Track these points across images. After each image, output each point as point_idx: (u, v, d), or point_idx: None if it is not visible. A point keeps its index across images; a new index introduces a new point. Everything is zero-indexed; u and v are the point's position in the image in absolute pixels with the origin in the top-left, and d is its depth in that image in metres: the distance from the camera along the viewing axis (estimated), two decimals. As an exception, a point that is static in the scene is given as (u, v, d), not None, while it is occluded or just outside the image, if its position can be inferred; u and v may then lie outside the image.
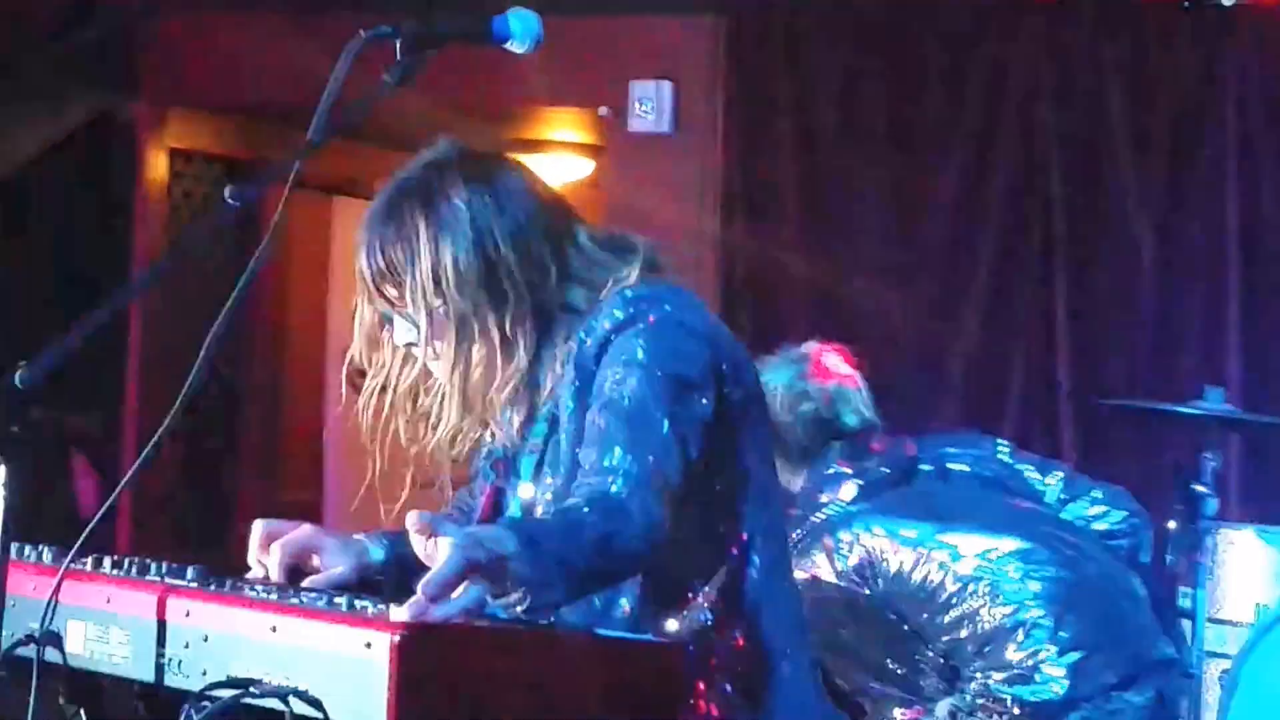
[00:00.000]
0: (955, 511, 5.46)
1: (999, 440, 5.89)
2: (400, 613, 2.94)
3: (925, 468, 5.65)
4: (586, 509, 3.31)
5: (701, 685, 3.65)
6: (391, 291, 3.64)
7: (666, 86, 8.63)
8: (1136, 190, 7.99)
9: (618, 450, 3.41)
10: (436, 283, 3.56)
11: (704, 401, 3.53)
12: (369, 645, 2.86)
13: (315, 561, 3.63)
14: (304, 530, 3.66)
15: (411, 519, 3.09)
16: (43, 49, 8.89)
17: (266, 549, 3.61)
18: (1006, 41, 8.19)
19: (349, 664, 2.88)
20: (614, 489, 3.35)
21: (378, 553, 3.70)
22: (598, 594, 3.48)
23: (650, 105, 8.63)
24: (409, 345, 3.66)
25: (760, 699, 3.69)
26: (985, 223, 8.23)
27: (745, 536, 3.70)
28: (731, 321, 8.31)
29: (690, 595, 3.66)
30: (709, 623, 3.67)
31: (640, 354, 3.49)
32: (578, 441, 3.54)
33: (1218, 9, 7.75)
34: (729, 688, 3.68)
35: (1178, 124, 8.03)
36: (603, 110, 8.80)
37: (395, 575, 3.56)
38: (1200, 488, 6.62)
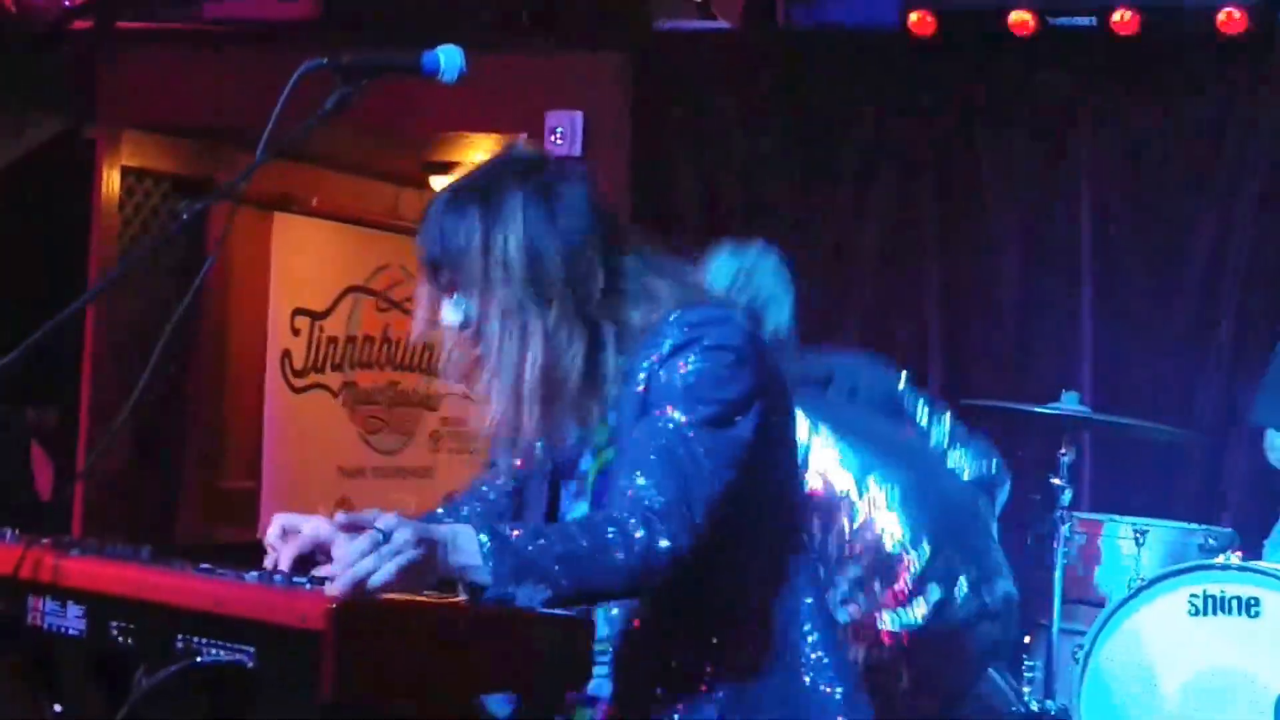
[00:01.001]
0: (855, 427, 5.44)
1: (901, 372, 5.90)
2: (331, 589, 2.94)
3: (836, 383, 5.67)
4: (584, 531, 3.28)
5: (704, 687, 3.61)
6: (446, 277, 3.56)
7: (577, 116, 8.65)
8: (1003, 213, 8.03)
9: (648, 473, 3.35)
10: (486, 274, 3.47)
11: (745, 426, 3.44)
12: (304, 618, 2.85)
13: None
14: (318, 526, 3.55)
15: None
16: (8, 74, 8.83)
17: (283, 539, 3.54)
18: (887, 71, 8.21)
19: (287, 634, 2.88)
20: (629, 513, 3.30)
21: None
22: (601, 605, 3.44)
23: (562, 132, 8.64)
24: (459, 328, 3.59)
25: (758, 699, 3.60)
26: (863, 239, 8.26)
27: (772, 548, 3.62)
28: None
29: (720, 602, 3.58)
30: (728, 626, 3.60)
31: (690, 378, 3.42)
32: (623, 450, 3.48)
33: (1079, 32, 7.81)
34: (722, 692, 3.64)
35: (1039, 145, 8.08)
36: (521, 136, 8.79)
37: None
38: (1056, 480, 6.66)
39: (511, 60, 8.22)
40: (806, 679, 3.60)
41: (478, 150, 9.63)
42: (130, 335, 8.85)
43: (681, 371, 3.41)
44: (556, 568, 3.20)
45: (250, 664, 2.92)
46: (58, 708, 3.53)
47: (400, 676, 2.94)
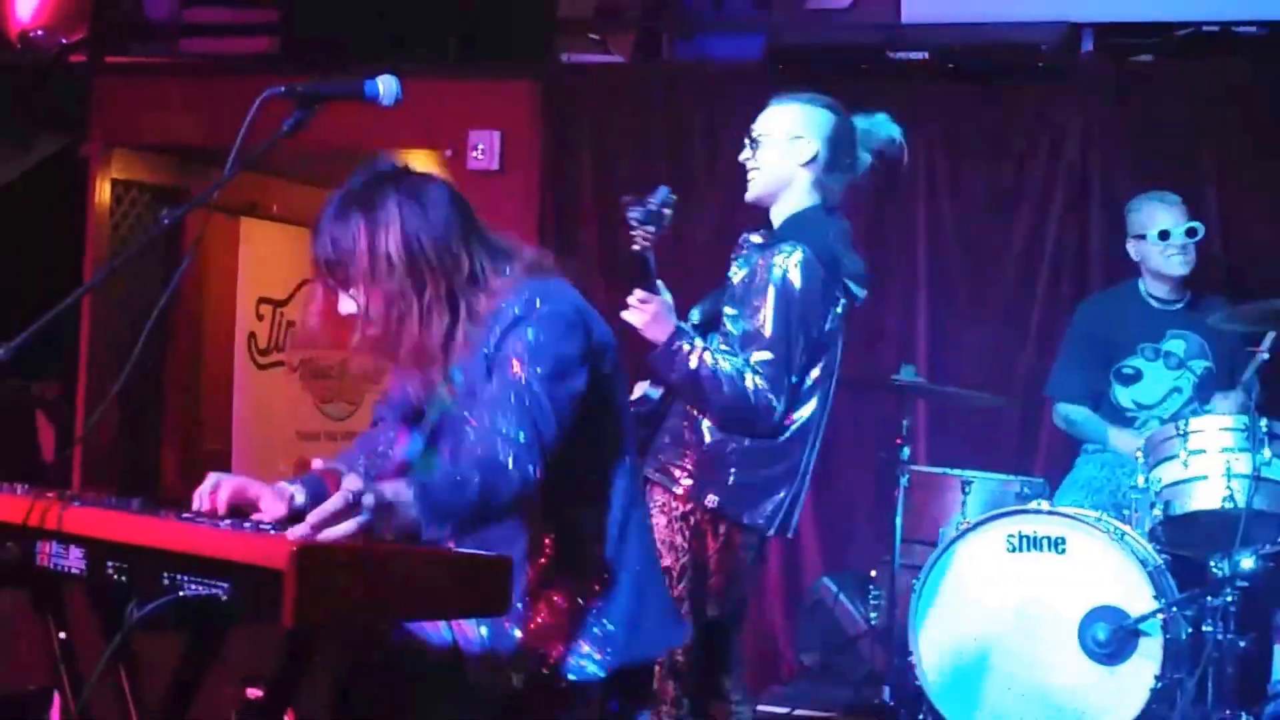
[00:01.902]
0: None
1: None
2: (293, 533, 2.97)
3: None
4: (474, 469, 3.37)
5: (557, 597, 3.68)
6: (339, 274, 3.62)
7: (496, 134, 8.60)
8: (852, 216, 8.04)
9: (503, 418, 3.46)
10: (373, 270, 3.57)
11: (578, 379, 3.58)
12: (269, 559, 2.88)
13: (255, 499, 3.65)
14: (242, 479, 3.69)
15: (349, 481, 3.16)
16: (15, 100, 8.76)
17: (214, 491, 3.61)
18: (754, 97, 8.22)
19: (256, 572, 2.90)
20: (499, 452, 3.41)
21: (301, 496, 3.71)
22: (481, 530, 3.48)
23: (483, 148, 8.59)
24: (351, 316, 3.64)
25: (611, 605, 3.73)
26: (733, 239, 8.25)
27: (612, 476, 3.76)
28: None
29: (567, 521, 3.73)
30: (577, 544, 3.74)
31: (531, 339, 3.54)
32: (475, 403, 3.57)
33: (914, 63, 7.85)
34: (581, 598, 3.72)
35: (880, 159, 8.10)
36: (447, 152, 8.77)
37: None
38: (898, 440, 6.71)
39: (440, 86, 8.18)
40: (634, 582, 3.75)
41: (413, 163, 9.61)
42: (120, 321, 8.79)
43: (525, 337, 3.55)
44: (463, 507, 3.32)
45: (225, 597, 2.94)
46: (62, 635, 3.55)
47: (348, 607, 2.97)
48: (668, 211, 4.82)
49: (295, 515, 3.56)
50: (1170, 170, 7.52)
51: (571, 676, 3.68)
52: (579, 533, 3.73)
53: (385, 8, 8.26)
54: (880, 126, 5.23)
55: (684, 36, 9.01)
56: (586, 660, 3.68)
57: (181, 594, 2.98)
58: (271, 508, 3.63)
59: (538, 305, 3.61)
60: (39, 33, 9.02)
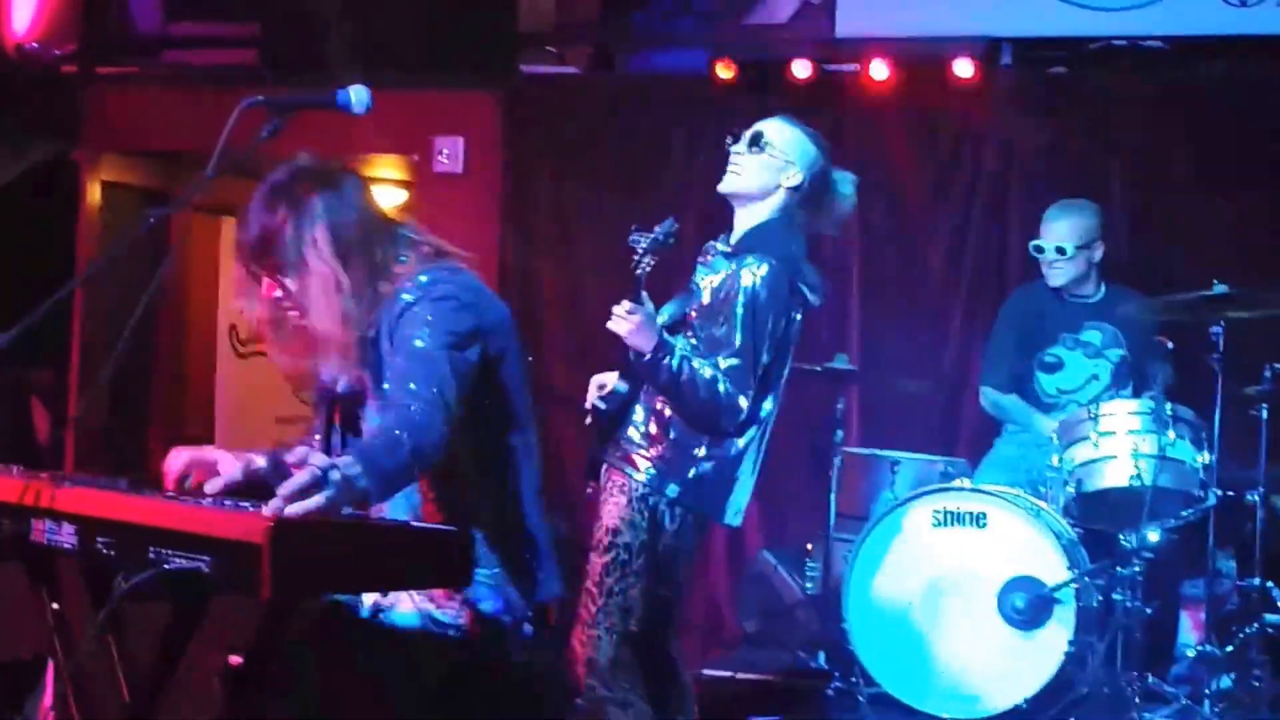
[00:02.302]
0: None
1: None
2: (269, 509, 2.96)
3: None
4: (399, 430, 3.39)
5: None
6: (266, 262, 3.65)
7: (459, 140, 8.59)
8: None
9: (414, 384, 3.49)
10: (300, 258, 3.60)
11: (471, 352, 3.63)
12: (247, 534, 2.87)
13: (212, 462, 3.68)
14: (201, 448, 3.70)
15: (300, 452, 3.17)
16: (11, 108, 8.70)
17: (180, 462, 3.68)
18: (698, 106, 8.24)
19: (236, 546, 2.89)
20: (414, 412, 3.43)
21: (261, 460, 3.72)
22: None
23: (448, 153, 8.58)
24: (278, 301, 3.67)
25: (522, 561, 3.79)
26: (685, 244, 8.24)
27: (509, 444, 3.80)
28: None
29: (471, 487, 3.75)
30: (486, 504, 3.77)
31: (429, 318, 3.60)
32: (386, 378, 3.62)
33: (845, 76, 7.87)
34: (499, 555, 3.75)
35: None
36: (414, 156, 8.76)
37: (275, 477, 3.56)
38: (833, 424, 6.73)
39: (407, 95, 8.14)
40: (525, 536, 3.82)
41: (380, 168, 9.59)
42: (109, 313, 8.74)
43: (424, 316, 3.60)
44: (401, 469, 3.37)
45: (206, 570, 2.93)
46: (55, 605, 3.53)
47: (321, 579, 2.97)
48: (671, 241, 4.86)
49: (256, 480, 3.62)
50: (1083, 175, 7.58)
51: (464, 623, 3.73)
52: (463, 498, 3.76)
53: (359, 24, 8.23)
54: (845, 200, 5.24)
55: (633, 51, 9.02)
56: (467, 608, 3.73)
57: (166, 567, 2.97)
58: (227, 468, 3.65)
59: (431, 288, 3.66)
60: (33, 45, 8.96)
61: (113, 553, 3.13)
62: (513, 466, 3.80)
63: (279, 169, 3.74)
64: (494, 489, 3.78)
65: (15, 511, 3.31)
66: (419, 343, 3.56)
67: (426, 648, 3.65)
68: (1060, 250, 6.82)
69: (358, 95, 3.76)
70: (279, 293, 3.66)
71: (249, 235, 3.69)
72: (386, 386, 3.60)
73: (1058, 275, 6.87)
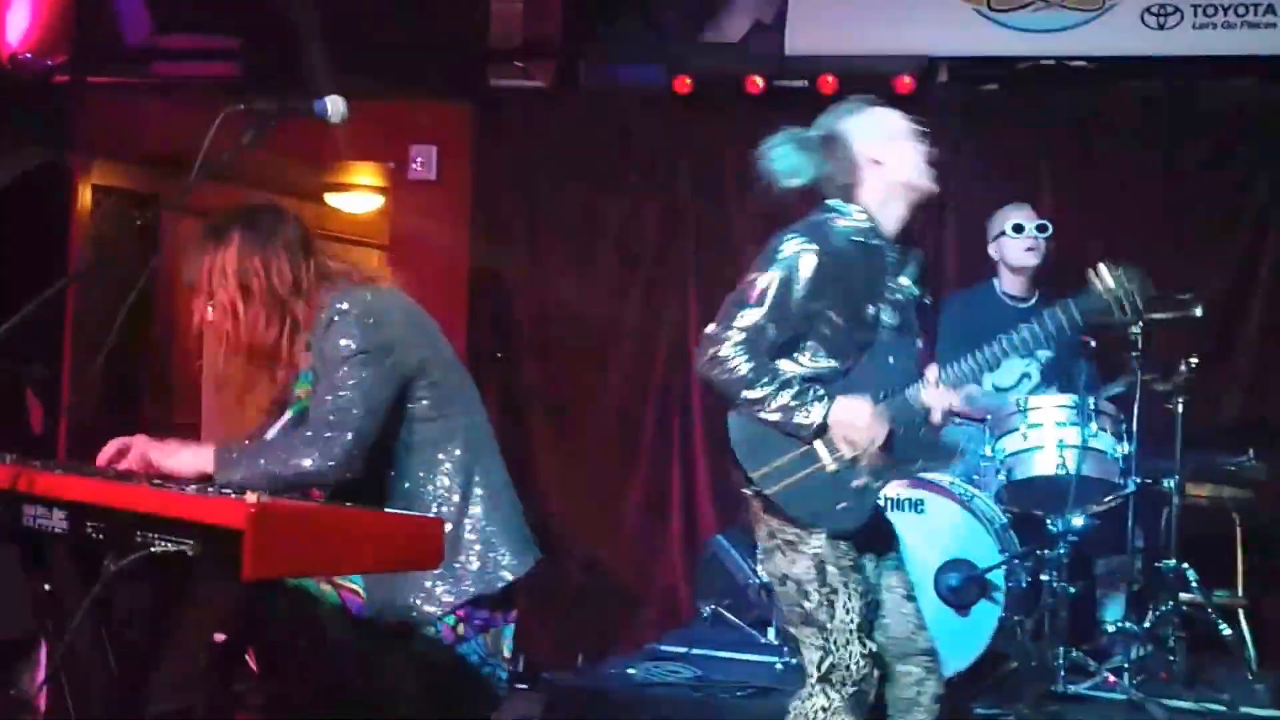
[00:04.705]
0: None
1: None
2: (250, 496, 2.95)
3: None
4: (299, 443, 3.71)
5: None
6: (203, 291, 3.91)
7: (433, 148, 8.57)
8: (740, 216, 8.07)
9: (327, 401, 3.73)
10: (211, 284, 3.87)
11: (388, 363, 3.80)
12: (230, 519, 2.86)
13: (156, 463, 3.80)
14: (137, 438, 3.87)
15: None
16: (5, 115, 8.65)
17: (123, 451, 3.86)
18: (657, 117, 8.24)
19: (219, 531, 2.88)
20: (324, 430, 3.69)
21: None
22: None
23: (422, 160, 8.57)
24: (214, 321, 3.91)
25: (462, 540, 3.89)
26: (644, 246, 8.29)
27: (438, 439, 3.93)
28: (474, 309, 8.34)
29: (398, 483, 3.90)
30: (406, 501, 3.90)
31: (345, 338, 3.79)
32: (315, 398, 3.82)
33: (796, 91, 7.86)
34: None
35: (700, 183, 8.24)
36: (390, 163, 8.74)
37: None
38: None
39: (386, 106, 8.13)
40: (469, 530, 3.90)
41: (359, 174, 9.56)
42: (100, 309, 8.70)
43: (340, 337, 3.79)
44: (282, 478, 3.68)
45: (191, 553, 2.92)
46: (47, 587, 3.51)
47: (299, 561, 2.96)
48: None
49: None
50: (1015, 184, 7.60)
51: (427, 608, 3.84)
52: (408, 491, 3.89)
53: (337, 40, 8.20)
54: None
55: (596, 66, 9.01)
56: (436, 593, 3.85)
57: (153, 550, 2.96)
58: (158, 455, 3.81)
59: (351, 308, 3.80)
60: (27, 55, 8.91)
61: (102, 536, 3.11)
62: (449, 465, 3.91)
63: (215, 214, 3.95)
64: (430, 486, 3.91)
65: (8, 497, 3.30)
66: (344, 361, 3.74)
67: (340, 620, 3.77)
68: (1042, 227, 6.84)
69: (334, 105, 3.76)
70: (212, 314, 3.89)
71: (187, 268, 3.92)
72: (311, 401, 3.81)
73: (1033, 255, 6.86)
